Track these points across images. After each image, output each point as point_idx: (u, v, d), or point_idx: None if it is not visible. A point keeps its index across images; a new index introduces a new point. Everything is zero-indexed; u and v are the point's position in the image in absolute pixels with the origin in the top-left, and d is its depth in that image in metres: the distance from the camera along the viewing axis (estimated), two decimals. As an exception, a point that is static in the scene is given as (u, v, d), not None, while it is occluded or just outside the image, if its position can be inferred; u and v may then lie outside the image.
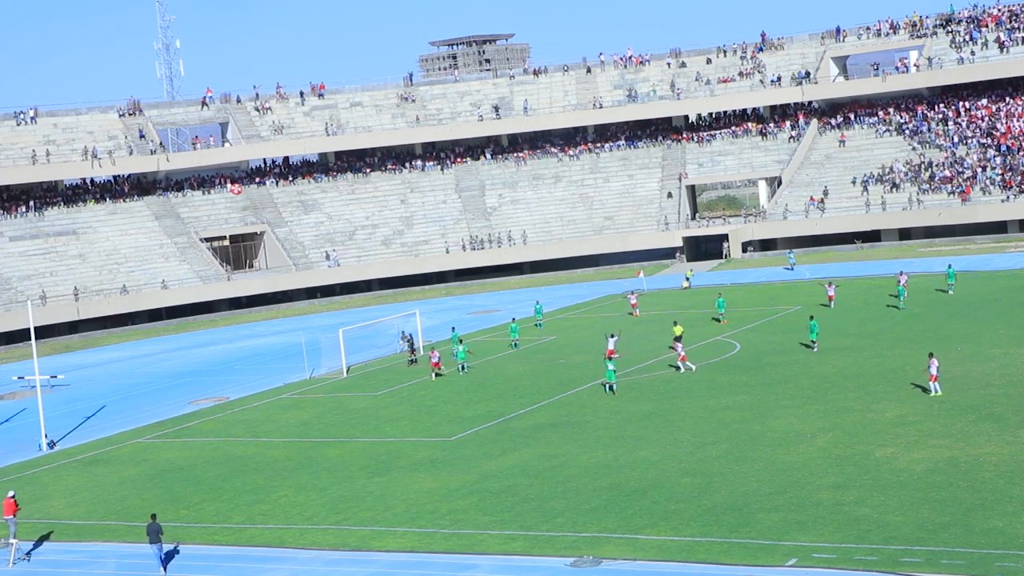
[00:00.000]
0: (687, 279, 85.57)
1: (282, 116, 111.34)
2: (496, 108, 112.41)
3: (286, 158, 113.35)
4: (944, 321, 61.03)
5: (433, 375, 57.40)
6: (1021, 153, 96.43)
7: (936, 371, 44.40)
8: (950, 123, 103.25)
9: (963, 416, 40.99)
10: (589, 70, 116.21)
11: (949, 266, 72.42)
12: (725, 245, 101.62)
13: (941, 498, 32.13)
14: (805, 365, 52.70)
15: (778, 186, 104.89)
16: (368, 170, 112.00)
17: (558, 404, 49.74)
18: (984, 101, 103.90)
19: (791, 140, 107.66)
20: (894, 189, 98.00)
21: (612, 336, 61.08)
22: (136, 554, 34.98)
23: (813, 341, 55.53)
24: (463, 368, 58.99)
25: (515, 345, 65.46)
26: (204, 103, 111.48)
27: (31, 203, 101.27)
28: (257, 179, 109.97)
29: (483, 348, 66.26)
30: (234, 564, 33.24)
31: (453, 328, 67.70)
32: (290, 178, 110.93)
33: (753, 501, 33.65)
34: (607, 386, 50.13)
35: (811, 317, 57.24)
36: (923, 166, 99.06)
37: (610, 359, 52.02)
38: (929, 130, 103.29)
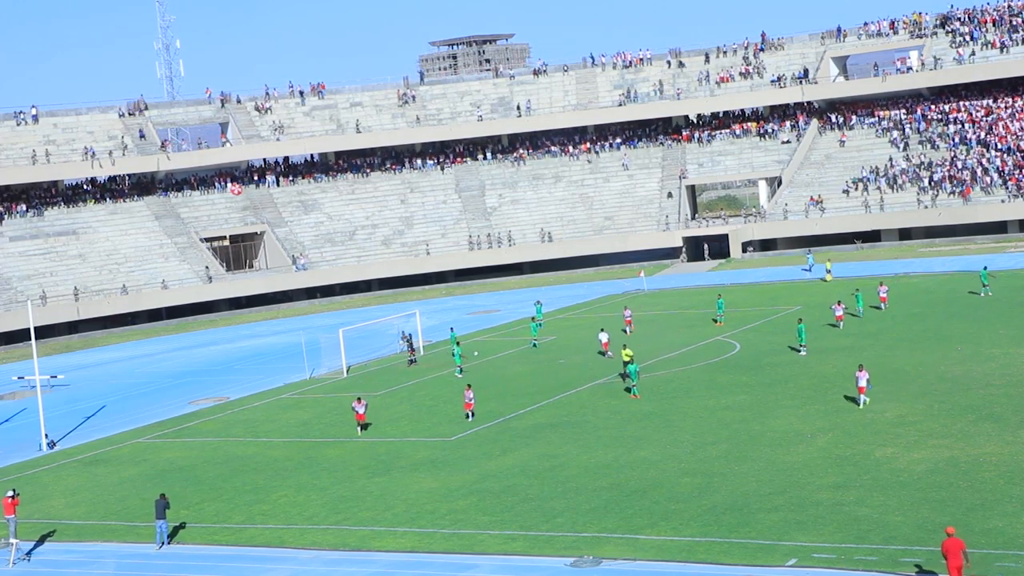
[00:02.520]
0: (828, 271, 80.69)
1: (282, 116, 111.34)
2: (517, 107, 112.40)
3: (286, 158, 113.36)
4: (944, 321, 61.04)
5: (359, 429, 48.12)
6: (1021, 153, 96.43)
7: (866, 383, 43.54)
8: (950, 123, 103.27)
9: (963, 416, 41.00)
10: (596, 65, 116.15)
11: (984, 268, 69.49)
12: (706, 246, 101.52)
13: (941, 498, 32.13)
14: (805, 365, 52.71)
15: (778, 186, 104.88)
16: (368, 170, 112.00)
17: (558, 404, 49.75)
18: (984, 101, 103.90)
19: (791, 140, 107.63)
20: (894, 189, 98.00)
21: (603, 330, 61.21)
22: (136, 554, 35.02)
23: (802, 345, 55.44)
24: (460, 371, 58.94)
25: (535, 344, 65.42)
26: (222, 101, 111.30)
27: (31, 203, 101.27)
28: (257, 179, 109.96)
29: (484, 348, 66.27)
30: (234, 564, 33.26)
31: (452, 328, 67.60)
32: (290, 178, 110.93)
33: (753, 501, 33.67)
34: (630, 388, 49.83)
35: (799, 320, 57.08)
36: (923, 166, 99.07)
37: (622, 355, 51.69)
38: (929, 130, 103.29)
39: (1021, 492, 32.34)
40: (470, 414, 48.23)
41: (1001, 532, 29.42)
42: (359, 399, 48.63)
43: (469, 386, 49.37)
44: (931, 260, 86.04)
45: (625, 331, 66.35)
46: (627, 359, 51.93)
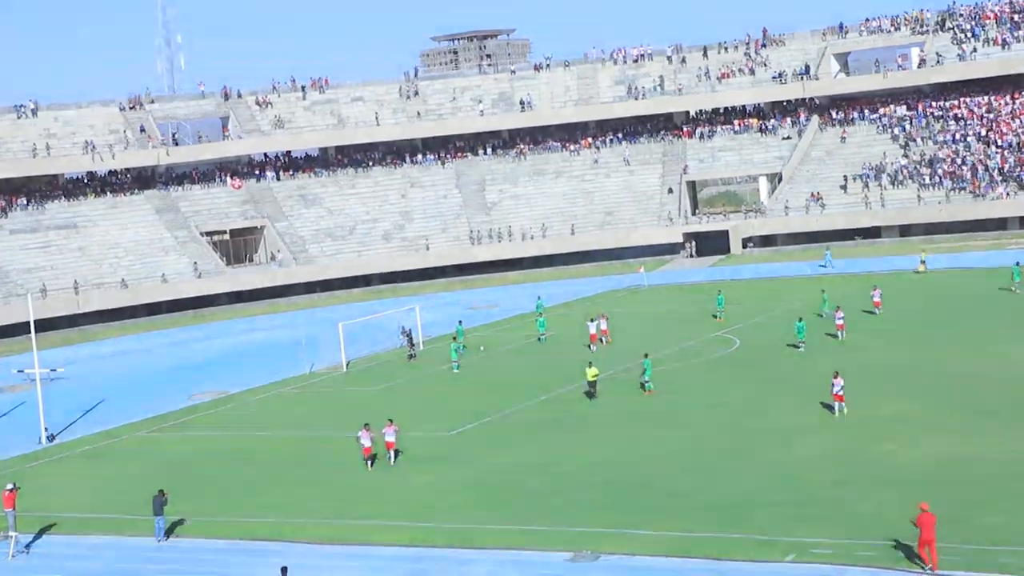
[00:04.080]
0: (922, 262, 79.64)
1: (283, 110, 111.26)
2: (520, 102, 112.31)
3: (287, 152, 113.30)
4: (944, 318, 61.07)
5: (369, 464, 41.49)
6: (1022, 150, 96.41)
7: (841, 390, 42.41)
8: (951, 120, 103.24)
9: (962, 412, 41.05)
10: (597, 60, 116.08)
11: (1017, 263, 68.65)
12: (694, 243, 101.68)
13: (940, 494, 32.09)
14: (805, 361, 52.71)
15: (779, 182, 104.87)
16: (369, 164, 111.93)
17: (557, 399, 49.75)
18: (985, 98, 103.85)
19: (792, 136, 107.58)
20: (895, 185, 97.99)
21: (592, 320, 61.08)
22: (136, 547, 35.02)
23: (801, 341, 55.37)
24: (456, 367, 58.87)
25: (542, 339, 65.35)
26: (223, 95, 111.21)
27: (31, 197, 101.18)
28: (257, 173, 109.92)
29: (484, 343, 66.18)
30: (233, 557, 33.27)
31: (460, 321, 66.99)
32: (291, 172, 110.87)
33: (752, 497, 33.69)
34: (643, 383, 49.56)
35: (799, 319, 57.00)
36: (923, 163, 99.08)
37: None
38: (930, 127, 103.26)
39: (1020, 488, 32.39)
40: (391, 456, 41.72)
41: (1000, 528, 29.46)
42: (366, 427, 42.00)
43: (391, 421, 42.36)
44: (931, 257, 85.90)
45: (602, 341, 62.33)
46: (592, 378, 49.01)
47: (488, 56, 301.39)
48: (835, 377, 42.87)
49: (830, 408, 42.91)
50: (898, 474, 34.51)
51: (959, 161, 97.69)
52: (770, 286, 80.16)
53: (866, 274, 78.53)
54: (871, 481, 34.08)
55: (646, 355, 50.59)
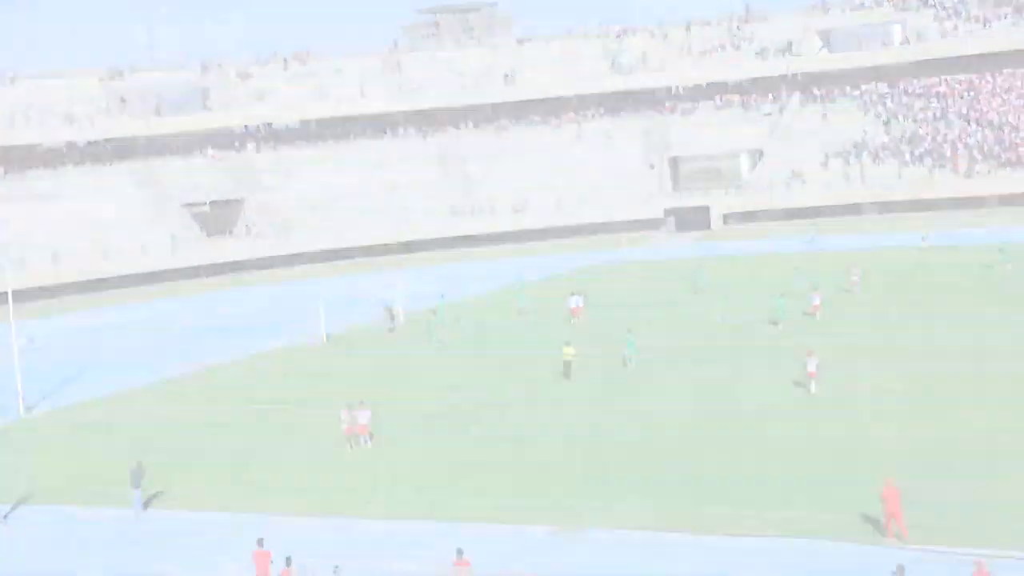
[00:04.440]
0: (923, 238, 78.70)
1: (264, 83, 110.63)
2: (504, 75, 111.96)
3: (268, 125, 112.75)
4: (925, 295, 61.29)
5: (350, 444, 40.26)
6: (1005, 128, 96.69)
7: (816, 368, 42.28)
8: (932, 98, 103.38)
9: (943, 391, 41.27)
10: (580, 35, 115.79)
11: (1002, 241, 68.88)
12: (669, 220, 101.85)
13: (918, 471, 32.29)
14: (785, 337, 52.81)
15: (760, 158, 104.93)
16: (351, 137, 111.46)
17: (537, 374, 49.75)
18: (967, 75, 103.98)
19: (773, 113, 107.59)
20: (875, 162, 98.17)
21: (574, 294, 61.07)
22: (113, 519, 34.94)
23: (781, 319, 55.37)
24: (437, 341, 58.77)
25: (522, 313, 65.25)
26: (204, 66, 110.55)
27: (10, 166, 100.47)
28: (238, 145, 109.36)
29: (464, 318, 66.13)
30: (213, 530, 33.21)
31: (442, 295, 67.07)
32: (272, 145, 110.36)
33: (729, 472, 33.85)
34: (626, 358, 49.50)
35: (780, 295, 57.07)
36: (904, 140, 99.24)
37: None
38: (911, 104, 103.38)
39: (997, 465, 32.61)
40: (367, 439, 40.35)
41: (979, 504, 29.67)
42: (349, 408, 40.62)
43: (362, 402, 40.92)
44: (911, 234, 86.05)
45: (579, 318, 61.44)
46: (568, 358, 47.98)
47: (471, 29, 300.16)
48: (809, 355, 42.89)
49: (805, 386, 43.01)
50: (877, 451, 34.66)
51: (940, 139, 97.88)
52: (750, 262, 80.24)
53: (849, 251, 78.59)
54: (848, 457, 34.24)
55: (629, 330, 50.64)
